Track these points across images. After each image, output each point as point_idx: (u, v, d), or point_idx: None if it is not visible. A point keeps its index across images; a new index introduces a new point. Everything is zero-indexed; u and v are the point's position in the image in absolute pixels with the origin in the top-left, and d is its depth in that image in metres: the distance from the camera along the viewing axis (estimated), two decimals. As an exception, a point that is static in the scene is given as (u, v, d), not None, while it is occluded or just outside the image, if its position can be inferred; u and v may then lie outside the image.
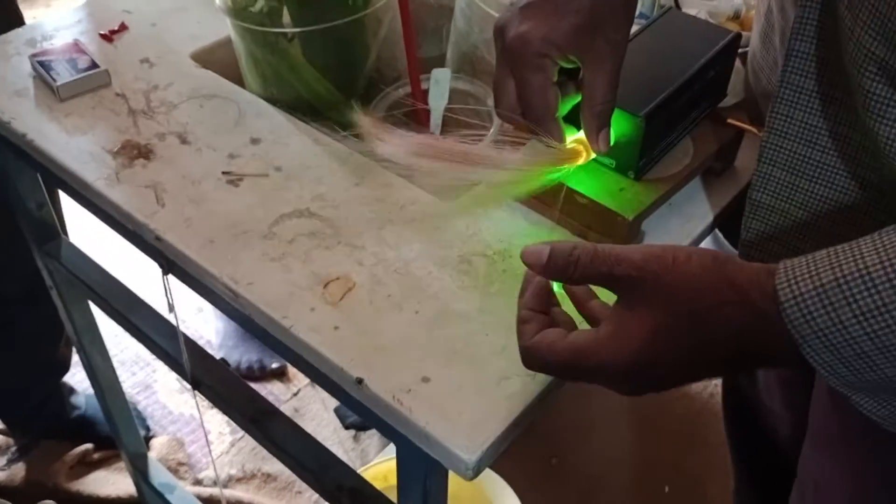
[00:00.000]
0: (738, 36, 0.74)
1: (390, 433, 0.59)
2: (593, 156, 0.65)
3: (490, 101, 0.79)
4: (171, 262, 0.70)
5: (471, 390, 0.57)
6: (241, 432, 1.57)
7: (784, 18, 0.62)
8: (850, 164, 0.51)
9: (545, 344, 0.48)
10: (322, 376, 0.61)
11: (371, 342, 0.60)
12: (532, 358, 0.49)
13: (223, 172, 0.74)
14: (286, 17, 0.78)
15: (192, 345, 0.86)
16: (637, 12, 0.72)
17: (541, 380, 0.58)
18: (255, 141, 0.77)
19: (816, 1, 0.48)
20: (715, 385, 1.66)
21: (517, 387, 0.57)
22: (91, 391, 1.55)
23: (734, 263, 0.44)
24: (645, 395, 0.47)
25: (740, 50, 0.80)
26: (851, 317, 0.39)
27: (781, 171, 0.55)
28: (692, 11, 0.87)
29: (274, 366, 1.67)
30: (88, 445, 1.48)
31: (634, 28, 0.67)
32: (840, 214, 0.54)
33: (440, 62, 0.90)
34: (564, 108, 0.62)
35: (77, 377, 1.59)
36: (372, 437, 1.57)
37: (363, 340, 0.60)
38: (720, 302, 0.43)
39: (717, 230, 0.76)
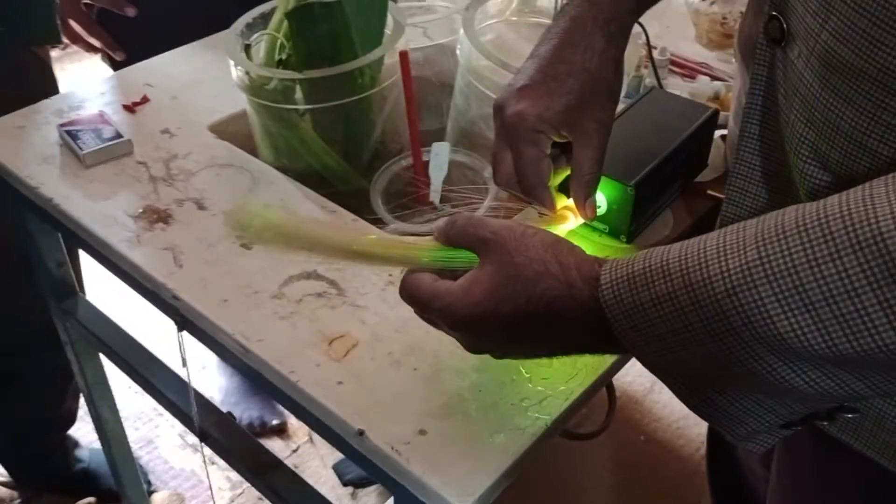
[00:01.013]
0: (717, 112, 0.80)
1: (388, 483, 0.63)
2: (581, 221, 0.70)
3: (486, 173, 0.85)
4: (185, 320, 0.75)
5: (464, 443, 0.61)
6: (241, 488, 1.59)
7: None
8: None
9: (416, 279, 0.55)
10: (326, 428, 0.65)
11: (372, 396, 0.64)
12: (403, 288, 0.55)
13: (237, 236, 0.79)
14: (298, 94, 0.84)
15: (201, 399, 0.90)
16: (623, 92, 0.79)
17: (530, 434, 0.62)
18: (266, 207, 0.83)
19: (761, 90, 0.54)
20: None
21: (507, 441, 0.61)
22: (95, 445, 1.58)
23: (568, 246, 0.51)
24: (483, 352, 0.55)
25: (723, 131, 0.86)
26: (648, 300, 0.44)
27: None
28: (675, 92, 0.93)
29: (274, 422, 1.70)
30: (91, 499, 1.50)
31: (622, 106, 0.73)
32: None
33: (440, 135, 0.96)
34: (557, 179, 0.68)
35: (81, 431, 1.62)
36: (369, 494, 1.59)
37: (365, 394, 0.64)
38: (544, 273, 0.49)
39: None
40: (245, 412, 1.70)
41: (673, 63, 1.06)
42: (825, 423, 0.48)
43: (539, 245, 0.51)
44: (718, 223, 0.62)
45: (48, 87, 1.16)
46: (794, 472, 0.69)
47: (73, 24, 1.24)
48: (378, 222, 0.82)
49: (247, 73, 0.83)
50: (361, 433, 0.62)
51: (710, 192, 0.86)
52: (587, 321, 0.48)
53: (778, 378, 0.41)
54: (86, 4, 1.25)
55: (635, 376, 1.85)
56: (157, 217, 0.82)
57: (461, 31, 0.87)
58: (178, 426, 1.72)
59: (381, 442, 0.61)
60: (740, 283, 0.40)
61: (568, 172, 0.68)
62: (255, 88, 0.83)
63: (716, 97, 0.97)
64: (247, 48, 0.85)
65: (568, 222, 0.71)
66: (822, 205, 0.40)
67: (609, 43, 0.64)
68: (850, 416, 0.48)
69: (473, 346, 0.55)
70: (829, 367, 0.40)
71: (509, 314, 0.50)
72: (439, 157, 0.88)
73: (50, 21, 1.13)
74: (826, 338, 0.39)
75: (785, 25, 0.50)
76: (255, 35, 0.86)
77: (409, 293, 0.55)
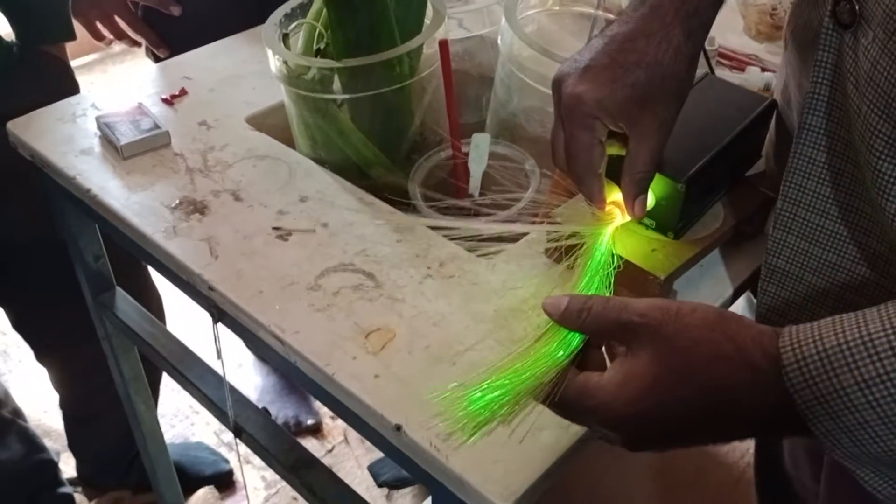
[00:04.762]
0: (774, 102, 0.76)
1: (426, 480, 0.61)
2: (628, 219, 0.67)
3: (527, 165, 0.83)
4: (221, 312, 0.74)
5: (506, 440, 0.59)
6: (276, 487, 1.59)
7: (801, 93, 0.64)
8: (859, 235, 0.52)
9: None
10: (362, 423, 0.64)
11: (410, 391, 0.62)
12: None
13: (273, 228, 0.78)
14: (336, 85, 0.83)
15: (236, 393, 0.89)
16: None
17: (573, 432, 0.59)
18: (303, 199, 0.82)
19: (826, 78, 0.50)
20: (752, 454, 1.63)
21: (550, 439, 0.59)
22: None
23: (738, 321, 0.44)
24: (642, 450, 0.48)
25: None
26: (853, 383, 0.39)
27: (795, 237, 0.56)
28: (724, 83, 0.90)
29: (309, 422, 1.69)
30: (124, 493, 1.49)
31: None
32: (851, 282, 0.54)
33: (479, 128, 0.94)
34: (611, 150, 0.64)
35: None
36: (405, 496, 1.57)
37: (402, 389, 0.62)
38: (717, 356, 0.43)
39: (749, 292, 0.78)
40: (281, 411, 1.70)
41: (721, 55, 1.03)
42: None
43: (701, 323, 0.44)
44: (773, 222, 0.59)
45: (68, 86, 1.14)
46: (845, 488, 0.66)
47: (118, 20, 1.25)
48: (415, 211, 0.80)
49: (285, 62, 0.82)
50: (399, 428, 0.60)
51: (761, 188, 0.82)
52: (772, 408, 0.42)
53: None
54: (132, 2, 1.25)
55: (677, 381, 1.81)
56: (193, 208, 0.81)
57: (503, 19, 0.85)
58: (214, 424, 1.72)
59: (419, 437, 0.59)
60: None
61: (621, 153, 0.65)
62: (292, 78, 0.82)
63: (766, 88, 0.93)
64: (285, 37, 0.83)
65: (615, 219, 0.68)
66: None
67: (688, 38, 0.59)
68: None
69: (633, 446, 0.47)
70: None
71: (676, 408, 0.44)
72: (479, 148, 0.85)
73: (64, 18, 1.11)
74: None
75: (857, 8, 0.47)
76: (294, 24, 0.85)
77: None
